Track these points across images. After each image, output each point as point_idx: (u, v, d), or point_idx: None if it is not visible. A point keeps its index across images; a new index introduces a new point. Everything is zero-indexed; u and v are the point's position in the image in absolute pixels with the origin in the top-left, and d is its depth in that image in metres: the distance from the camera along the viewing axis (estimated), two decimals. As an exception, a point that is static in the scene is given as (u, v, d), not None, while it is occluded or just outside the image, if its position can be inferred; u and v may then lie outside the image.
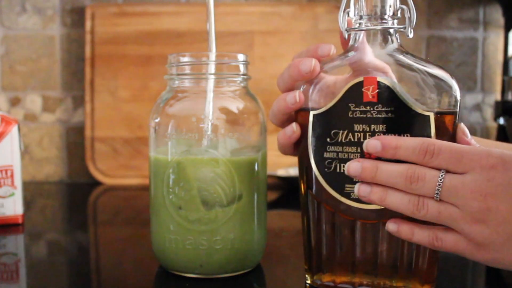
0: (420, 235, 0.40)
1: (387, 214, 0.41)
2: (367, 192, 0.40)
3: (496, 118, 1.00)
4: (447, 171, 0.38)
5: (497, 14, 1.08)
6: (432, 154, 0.38)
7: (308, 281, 0.45)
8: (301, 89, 0.44)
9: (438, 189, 0.38)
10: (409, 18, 0.42)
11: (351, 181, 0.41)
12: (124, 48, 1.02)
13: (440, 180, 0.38)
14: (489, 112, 1.09)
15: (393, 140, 0.39)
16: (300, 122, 0.44)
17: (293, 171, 0.97)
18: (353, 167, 0.40)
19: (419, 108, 0.39)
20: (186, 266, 0.48)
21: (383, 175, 0.39)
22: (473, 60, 1.08)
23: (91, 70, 1.02)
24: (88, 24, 1.02)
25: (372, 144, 0.39)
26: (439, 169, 0.38)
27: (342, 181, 0.42)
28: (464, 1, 1.08)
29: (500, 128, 1.00)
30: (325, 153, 0.42)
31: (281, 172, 0.96)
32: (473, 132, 1.09)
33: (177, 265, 0.48)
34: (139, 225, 0.71)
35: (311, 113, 0.43)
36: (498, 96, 1.09)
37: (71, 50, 1.06)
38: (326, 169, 0.42)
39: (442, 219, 0.38)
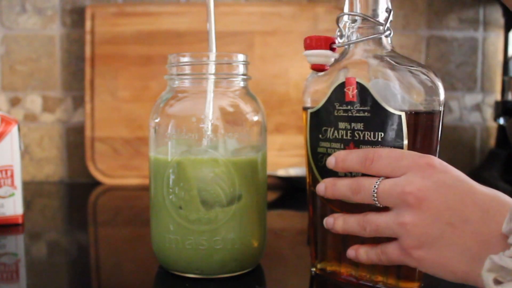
0: (371, 255, 0.42)
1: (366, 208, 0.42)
2: (331, 223, 0.43)
3: (496, 118, 1.00)
4: (388, 177, 0.39)
5: (497, 14, 1.08)
6: (372, 161, 0.39)
7: (313, 269, 0.49)
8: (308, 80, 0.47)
9: (374, 195, 0.39)
10: (386, 17, 0.43)
11: (337, 175, 0.44)
12: (124, 48, 1.02)
13: (375, 186, 0.39)
14: (489, 112, 1.09)
15: (342, 154, 0.42)
16: (304, 119, 0.47)
17: (293, 171, 0.97)
18: (319, 187, 0.44)
19: (391, 108, 0.41)
20: (186, 266, 0.48)
21: (338, 191, 0.42)
22: (473, 60, 1.08)
23: (91, 70, 1.02)
24: (88, 24, 1.02)
25: (329, 160, 0.43)
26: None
27: (330, 175, 0.44)
28: (464, 1, 1.07)
29: (500, 128, 1.00)
30: (318, 148, 0.46)
31: (281, 172, 0.96)
32: (473, 132, 1.09)
33: (177, 265, 0.48)
34: (139, 225, 0.71)
35: (308, 111, 0.46)
36: (498, 96, 1.09)
37: (71, 50, 1.06)
38: (319, 163, 0.46)
39: (381, 230, 0.39)
